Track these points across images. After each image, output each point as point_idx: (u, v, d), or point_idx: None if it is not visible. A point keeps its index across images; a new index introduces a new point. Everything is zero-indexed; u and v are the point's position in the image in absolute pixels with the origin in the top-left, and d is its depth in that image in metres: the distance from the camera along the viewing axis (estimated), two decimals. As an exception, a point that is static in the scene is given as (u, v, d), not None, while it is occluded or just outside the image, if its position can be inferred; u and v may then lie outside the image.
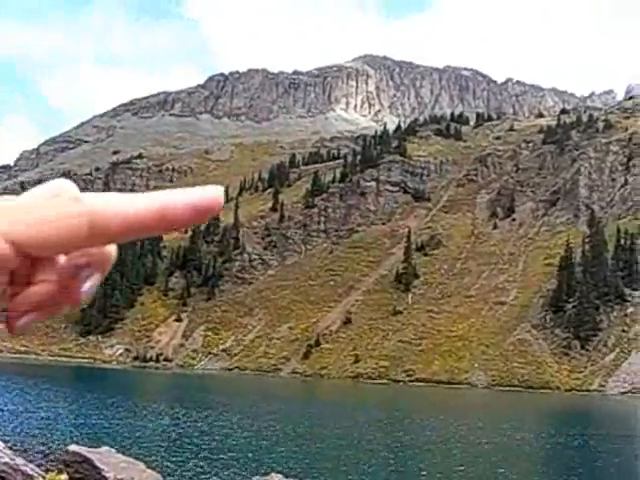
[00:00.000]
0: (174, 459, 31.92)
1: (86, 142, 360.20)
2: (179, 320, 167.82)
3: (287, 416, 56.72)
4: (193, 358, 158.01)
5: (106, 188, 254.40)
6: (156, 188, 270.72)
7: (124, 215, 0.69)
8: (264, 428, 46.62)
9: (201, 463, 31.45)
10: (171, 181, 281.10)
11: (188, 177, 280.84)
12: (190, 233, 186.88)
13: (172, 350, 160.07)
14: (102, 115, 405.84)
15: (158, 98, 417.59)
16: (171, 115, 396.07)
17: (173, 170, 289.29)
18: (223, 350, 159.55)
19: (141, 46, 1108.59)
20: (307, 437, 43.63)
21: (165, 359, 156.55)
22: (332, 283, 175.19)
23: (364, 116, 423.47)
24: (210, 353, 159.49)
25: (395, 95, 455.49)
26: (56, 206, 0.69)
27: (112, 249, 0.73)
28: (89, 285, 0.72)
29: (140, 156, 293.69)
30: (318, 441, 42.02)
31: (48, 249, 0.69)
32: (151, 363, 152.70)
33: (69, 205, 0.69)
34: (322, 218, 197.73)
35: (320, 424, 50.85)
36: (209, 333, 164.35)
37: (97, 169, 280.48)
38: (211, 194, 0.74)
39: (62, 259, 0.72)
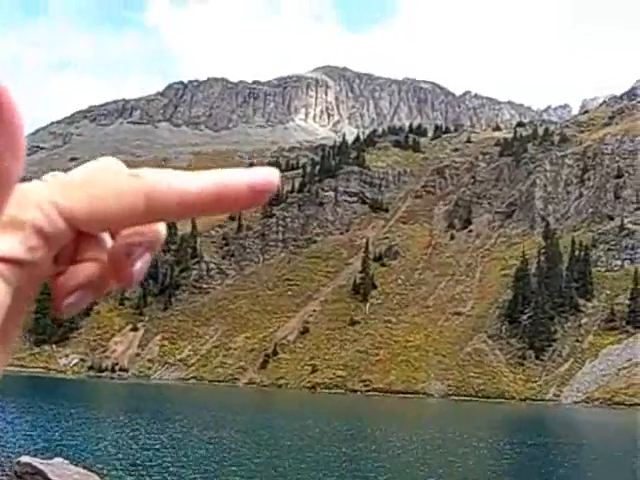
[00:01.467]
0: (129, 470, 31.57)
1: (42, 149, 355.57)
2: (135, 329, 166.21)
3: (245, 427, 56.45)
4: (149, 368, 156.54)
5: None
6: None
7: (181, 193, 0.67)
8: (221, 439, 46.35)
9: (157, 475, 31.16)
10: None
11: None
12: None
13: (128, 360, 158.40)
14: (59, 122, 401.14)
15: (116, 105, 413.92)
16: (129, 123, 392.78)
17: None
18: (180, 360, 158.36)
19: (100, 53, 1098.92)
20: (265, 448, 43.45)
21: (121, 369, 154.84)
22: (290, 293, 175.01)
23: (323, 126, 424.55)
24: (167, 363, 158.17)
25: (354, 106, 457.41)
26: (114, 181, 0.67)
27: (163, 229, 0.71)
28: (141, 265, 0.70)
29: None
30: (277, 452, 41.87)
31: (102, 224, 0.67)
32: (106, 373, 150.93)
33: (128, 180, 0.67)
34: (280, 228, 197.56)
35: (278, 435, 50.71)
36: (165, 343, 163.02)
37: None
38: (267, 175, 0.72)
39: (108, 238, 0.70)
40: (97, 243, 0.69)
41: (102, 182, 0.67)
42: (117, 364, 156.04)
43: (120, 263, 0.69)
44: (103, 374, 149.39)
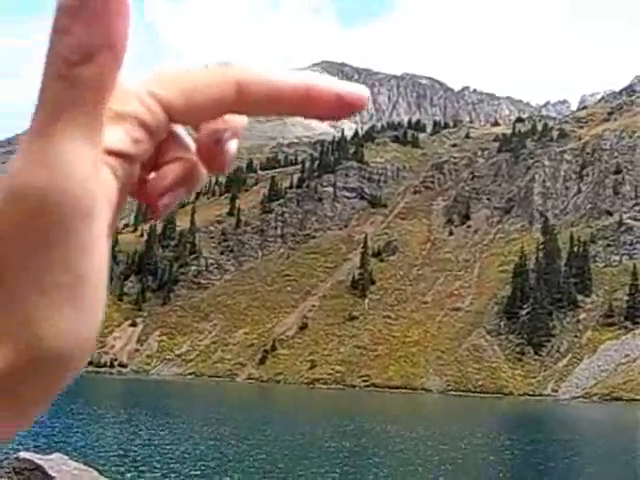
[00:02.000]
0: (128, 466, 31.61)
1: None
2: (134, 325, 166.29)
3: (243, 423, 56.51)
4: (148, 363, 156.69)
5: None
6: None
7: (273, 85, 0.65)
8: (220, 435, 46.41)
9: (156, 470, 31.20)
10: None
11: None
12: (146, 237, 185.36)
13: (127, 355, 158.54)
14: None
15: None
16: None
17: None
18: (178, 355, 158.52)
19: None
20: (264, 443, 43.49)
21: (120, 364, 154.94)
22: (289, 288, 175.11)
23: (322, 122, 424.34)
24: (165, 358, 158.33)
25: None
26: (206, 70, 0.66)
27: (245, 119, 0.70)
28: (230, 149, 0.69)
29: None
30: (276, 448, 41.91)
31: (197, 114, 0.66)
32: (105, 368, 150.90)
33: (219, 69, 0.66)
34: (279, 223, 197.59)
35: (276, 431, 50.74)
36: (164, 338, 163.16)
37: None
38: (358, 89, 0.69)
39: (187, 137, 0.68)
40: (179, 142, 0.68)
41: (194, 73, 0.67)
42: (116, 359, 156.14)
43: (210, 150, 0.68)
44: (102, 369, 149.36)
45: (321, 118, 0.67)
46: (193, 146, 0.68)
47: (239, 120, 0.70)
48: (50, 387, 0.60)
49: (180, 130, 0.69)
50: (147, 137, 0.64)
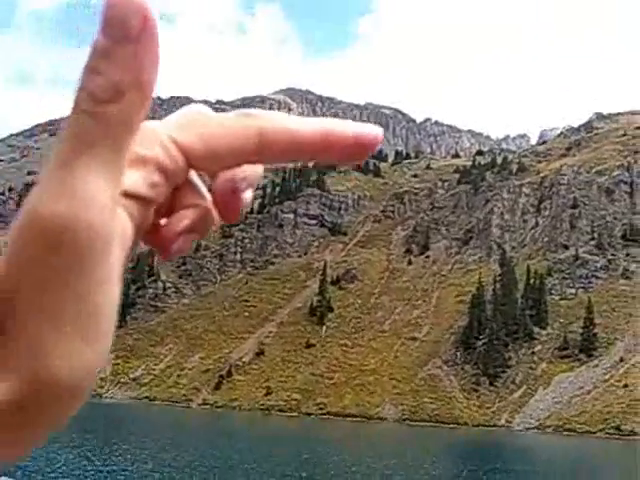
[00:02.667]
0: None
1: (0, 161, 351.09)
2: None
3: (196, 449, 55.88)
4: (101, 387, 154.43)
5: (19, 209, 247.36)
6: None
7: (293, 133, 0.67)
8: (172, 461, 45.85)
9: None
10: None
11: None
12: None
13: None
14: (17, 134, 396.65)
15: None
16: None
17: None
18: (133, 379, 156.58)
19: (62, 68, 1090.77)
20: (217, 471, 43.04)
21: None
22: (246, 314, 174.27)
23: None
24: (119, 382, 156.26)
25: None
26: (225, 119, 0.68)
27: (261, 167, 0.72)
28: (246, 198, 0.72)
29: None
30: (228, 475, 41.50)
31: (216, 162, 0.68)
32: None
33: (239, 118, 0.68)
34: (239, 248, 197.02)
35: (229, 458, 50.27)
36: (119, 361, 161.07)
37: (10, 189, 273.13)
38: (373, 129, 0.71)
39: (202, 185, 0.71)
40: (195, 189, 0.70)
41: (215, 119, 0.68)
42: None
43: (226, 199, 0.71)
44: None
45: (340, 161, 0.69)
46: (207, 194, 0.70)
47: (256, 170, 0.73)
48: (54, 419, 0.62)
49: (195, 177, 0.70)
50: (165, 182, 0.65)
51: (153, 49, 0.61)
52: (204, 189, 0.71)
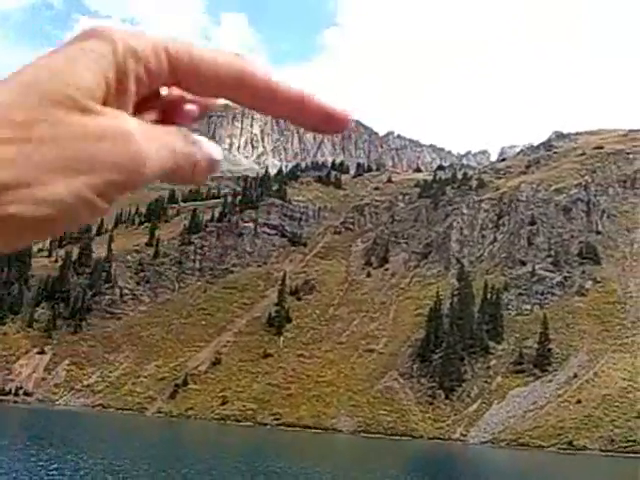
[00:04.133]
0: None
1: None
2: (42, 353, 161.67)
3: (150, 458, 55.36)
4: (55, 393, 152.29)
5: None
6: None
7: (271, 84, 0.77)
8: (125, 470, 45.37)
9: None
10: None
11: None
12: (60, 263, 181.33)
13: (33, 384, 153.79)
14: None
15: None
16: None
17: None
18: (87, 386, 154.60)
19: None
20: (172, 479, 42.69)
21: (25, 393, 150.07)
22: (204, 322, 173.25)
23: (247, 158, 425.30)
24: (73, 389, 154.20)
25: (279, 139, 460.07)
26: (219, 51, 0.76)
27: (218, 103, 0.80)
28: (189, 111, 0.81)
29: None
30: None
31: (200, 83, 0.76)
32: (9, 396, 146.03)
33: (231, 55, 0.77)
34: (198, 256, 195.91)
35: (183, 467, 49.87)
36: (73, 368, 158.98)
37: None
38: (344, 111, 0.79)
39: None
40: (159, 100, 0.78)
41: (204, 48, 0.76)
42: (21, 388, 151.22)
43: (174, 105, 0.80)
44: (6, 397, 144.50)
45: (308, 127, 0.77)
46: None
47: (216, 105, 0.82)
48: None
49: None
50: (147, 80, 0.75)
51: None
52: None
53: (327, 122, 0.74)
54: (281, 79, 0.75)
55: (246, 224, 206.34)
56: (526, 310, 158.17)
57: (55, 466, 43.59)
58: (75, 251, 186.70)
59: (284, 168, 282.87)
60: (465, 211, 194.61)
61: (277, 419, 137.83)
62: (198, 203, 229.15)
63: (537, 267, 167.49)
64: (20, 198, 0.67)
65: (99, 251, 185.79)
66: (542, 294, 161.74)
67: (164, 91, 0.78)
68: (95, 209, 0.75)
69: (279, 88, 0.74)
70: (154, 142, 0.71)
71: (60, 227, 0.72)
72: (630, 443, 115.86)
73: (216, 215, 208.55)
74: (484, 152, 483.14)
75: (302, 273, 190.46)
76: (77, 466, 44.93)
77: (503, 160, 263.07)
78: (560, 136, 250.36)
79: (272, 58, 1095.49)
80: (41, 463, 44.50)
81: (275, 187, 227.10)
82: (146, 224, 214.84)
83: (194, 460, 55.26)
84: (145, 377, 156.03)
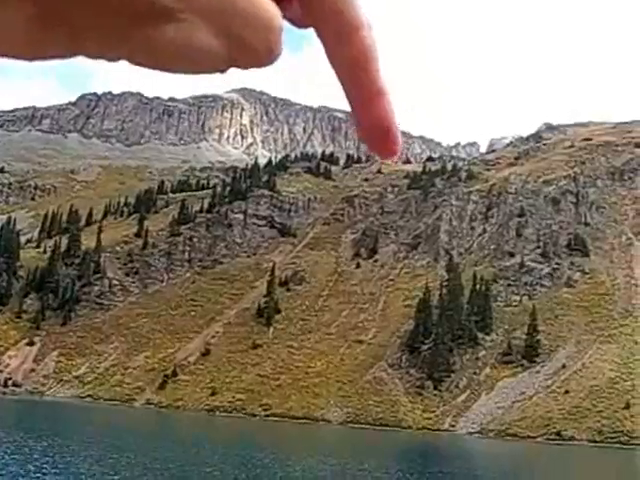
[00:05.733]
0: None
1: None
2: (31, 344, 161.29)
3: (139, 449, 55.40)
4: (44, 384, 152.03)
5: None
6: (16, 205, 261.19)
7: (351, 30, 0.85)
8: (114, 461, 45.40)
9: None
10: (33, 199, 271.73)
11: (51, 195, 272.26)
12: (49, 254, 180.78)
13: (22, 375, 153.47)
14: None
15: (26, 112, 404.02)
16: (38, 131, 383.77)
17: (36, 188, 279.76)
18: (76, 377, 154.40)
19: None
20: (158, 470, 42.73)
21: (14, 384, 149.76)
22: (193, 313, 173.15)
23: (236, 148, 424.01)
24: (62, 380, 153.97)
25: (268, 130, 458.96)
26: None
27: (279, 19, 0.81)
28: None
29: (2, 170, 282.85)
30: (169, 474, 41.24)
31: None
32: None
33: None
34: (187, 247, 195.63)
35: (172, 457, 49.94)
36: (62, 359, 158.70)
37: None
38: (398, 141, 0.83)
39: None
40: None
41: None
42: (10, 379, 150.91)
43: None
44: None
45: (360, 129, 0.81)
46: None
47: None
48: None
49: None
50: None
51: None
52: None
53: (379, 135, 0.77)
54: (379, 68, 0.78)
55: (235, 215, 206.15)
56: (515, 301, 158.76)
57: (44, 457, 43.59)
58: (64, 242, 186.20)
59: (274, 159, 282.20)
60: (454, 202, 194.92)
61: (266, 410, 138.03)
62: (187, 194, 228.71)
63: (526, 259, 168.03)
64: (183, 27, 0.69)
65: (88, 242, 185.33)
66: (531, 285, 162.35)
67: None
68: (245, 49, 0.75)
69: (368, 68, 0.76)
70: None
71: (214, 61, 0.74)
72: (617, 434, 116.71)
73: (205, 206, 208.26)
74: (473, 144, 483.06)
75: (291, 264, 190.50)
76: (66, 457, 44.93)
77: (492, 152, 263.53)
78: (549, 128, 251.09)
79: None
80: (30, 454, 44.50)
81: (264, 178, 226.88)
82: (135, 215, 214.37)
83: (183, 451, 55.34)
84: (134, 368, 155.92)
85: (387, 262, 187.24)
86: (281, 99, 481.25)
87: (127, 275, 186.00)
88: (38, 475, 36.10)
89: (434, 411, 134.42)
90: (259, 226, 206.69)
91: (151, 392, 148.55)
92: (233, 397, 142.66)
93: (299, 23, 0.87)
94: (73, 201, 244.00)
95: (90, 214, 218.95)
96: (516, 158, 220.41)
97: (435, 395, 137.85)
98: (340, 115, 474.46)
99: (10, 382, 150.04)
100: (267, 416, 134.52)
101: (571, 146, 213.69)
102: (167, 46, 0.69)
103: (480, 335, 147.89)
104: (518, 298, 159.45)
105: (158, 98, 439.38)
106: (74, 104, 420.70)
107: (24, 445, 49.13)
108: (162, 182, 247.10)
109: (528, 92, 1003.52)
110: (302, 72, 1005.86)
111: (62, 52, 0.69)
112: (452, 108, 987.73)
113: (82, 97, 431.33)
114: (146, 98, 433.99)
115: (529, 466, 78.10)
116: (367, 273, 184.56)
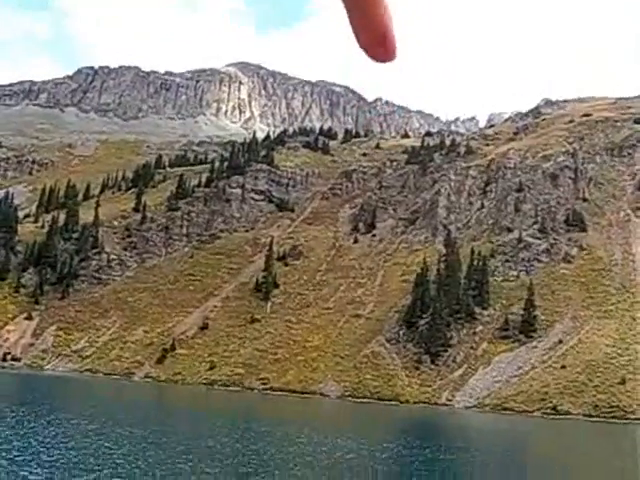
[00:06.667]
0: (14, 463, 30.80)
1: None
2: (30, 318, 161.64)
3: (137, 422, 55.71)
4: (43, 358, 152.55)
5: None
6: (14, 179, 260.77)
7: None
8: (112, 434, 45.67)
9: (42, 469, 30.50)
10: (30, 173, 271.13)
11: (49, 170, 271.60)
12: (47, 228, 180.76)
13: (21, 349, 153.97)
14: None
15: (22, 86, 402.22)
16: (35, 105, 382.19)
17: (33, 162, 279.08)
18: (75, 351, 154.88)
19: (7, 32, 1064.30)
20: (157, 443, 43.00)
21: (13, 358, 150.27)
22: (191, 288, 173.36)
23: (234, 123, 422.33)
24: (61, 354, 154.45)
25: (266, 104, 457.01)
26: None
27: None
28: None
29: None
30: (167, 447, 41.50)
31: None
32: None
33: None
34: (185, 222, 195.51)
35: (170, 430, 50.24)
36: (61, 333, 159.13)
37: None
38: (395, 42, 0.96)
39: None
40: None
41: None
42: (9, 353, 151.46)
43: None
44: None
45: (358, 35, 1.09)
46: None
47: None
48: None
49: None
50: None
51: None
52: None
53: (377, 38, 0.87)
54: None
55: (233, 190, 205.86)
56: (512, 277, 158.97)
57: (44, 431, 43.85)
58: (62, 217, 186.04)
59: (272, 133, 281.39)
60: (453, 177, 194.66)
61: (264, 384, 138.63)
62: (185, 168, 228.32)
63: (524, 234, 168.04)
64: None
65: (86, 217, 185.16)
66: (528, 261, 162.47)
67: None
68: None
69: None
70: None
71: None
72: (613, 408, 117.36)
73: (203, 180, 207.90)
74: (472, 119, 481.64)
75: (289, 239, 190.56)
76: (66, 431, 45.21)
77: (491, 127, 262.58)
78: (548, 103, 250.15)
79: (261, 21, 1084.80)
80: (30, 428, 44.75)
81: (263, 152, 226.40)
82: (133, 189, 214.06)
83: (182, 424, 55.68)
84: (133, 342, 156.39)
85: (385, 237, 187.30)
86: (279, 73, 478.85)
87: (125, 250, 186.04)
88: (38, 448, 36.32)
89: (431, 385, 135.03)
90: (257, 201, 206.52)
91: (150, 366, 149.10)
92: (231, 371, 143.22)
93: None
94: (71, 175, 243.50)
95: (88, 189, 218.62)
96: (515, 133, 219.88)
97: (432, 369, 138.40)
98: (338, 89, 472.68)
99: (9, 356, 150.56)
100: (265, 390, 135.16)
101: (570, 121, 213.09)
102: None
103: (477, 310, 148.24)
104: (515, 273, 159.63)
105: (155, 72, 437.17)
106: (71, 78, 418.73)
107: (23, 419, 49.39)
108: (160, 156, 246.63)
109: (527, 67, 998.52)
110: (299, 47, 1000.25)
111: None
112: (451, 83, 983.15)
113: (79, 71, 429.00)
114: (143, 72, 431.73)
115: (525, 440, 78.68)
116: (365, 248, 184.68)
